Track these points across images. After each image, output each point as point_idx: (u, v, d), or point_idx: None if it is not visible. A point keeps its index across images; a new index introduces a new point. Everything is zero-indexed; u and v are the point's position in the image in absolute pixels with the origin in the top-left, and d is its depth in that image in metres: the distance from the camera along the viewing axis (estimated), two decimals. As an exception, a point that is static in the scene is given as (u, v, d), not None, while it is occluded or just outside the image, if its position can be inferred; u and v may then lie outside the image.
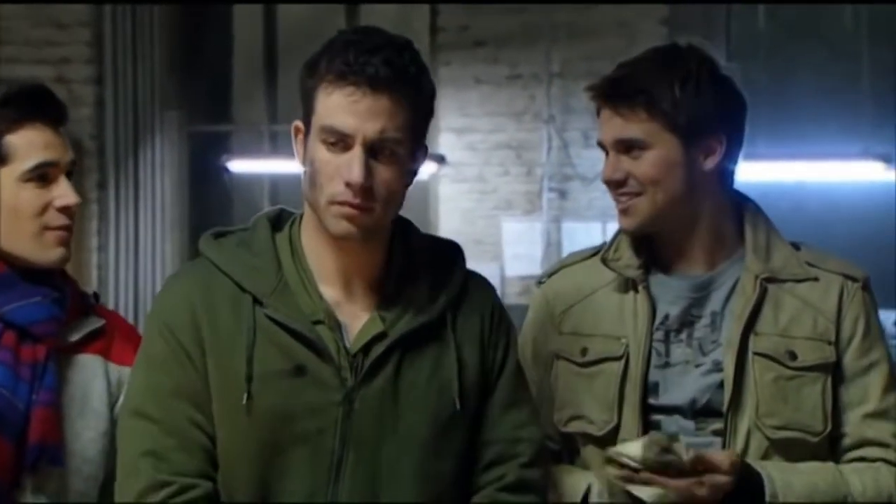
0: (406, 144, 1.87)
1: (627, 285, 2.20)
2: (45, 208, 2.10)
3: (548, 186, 7.07)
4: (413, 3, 7.26)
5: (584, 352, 2.21)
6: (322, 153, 1.86)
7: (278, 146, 7.73)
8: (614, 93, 2.12)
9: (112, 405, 2.16)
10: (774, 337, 2.11)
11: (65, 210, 2.11)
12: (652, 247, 2.22)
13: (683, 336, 2.16)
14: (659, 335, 2.17)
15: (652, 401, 2.15)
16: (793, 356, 2.10)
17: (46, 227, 2.10)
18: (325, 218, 1.87)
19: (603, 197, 7.51)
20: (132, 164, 7.49)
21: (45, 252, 2.11)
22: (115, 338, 2.21)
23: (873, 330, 2.16)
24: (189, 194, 7.71)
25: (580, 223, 6.97)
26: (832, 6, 7.22)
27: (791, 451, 2.10)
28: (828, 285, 2.16)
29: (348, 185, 1.83)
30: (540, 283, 2.33)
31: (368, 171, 1.83)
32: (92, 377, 2.16)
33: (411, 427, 1.88)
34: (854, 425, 2.12)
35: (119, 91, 7.45)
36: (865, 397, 2.13)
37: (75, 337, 2.16)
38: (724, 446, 2.09)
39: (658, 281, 2.20)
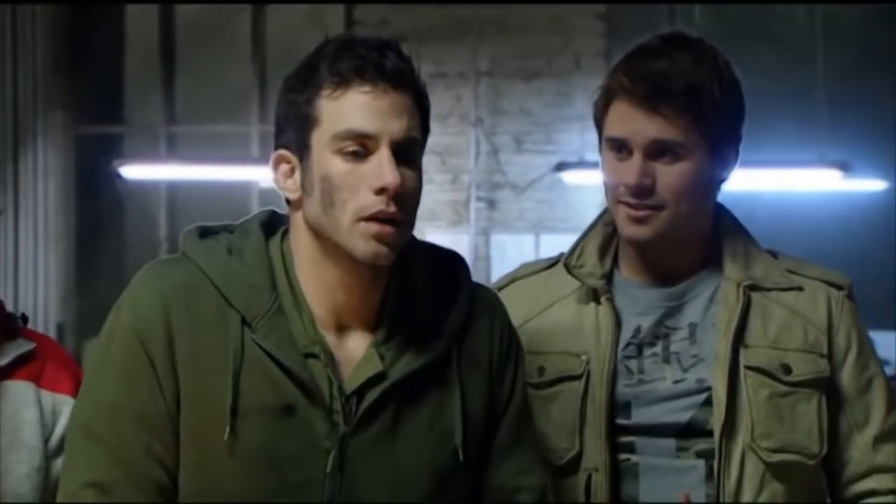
0: (421, 151, 1.83)
1: (589, 296, 2.19)
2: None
3: (475, 195, 7.09)
4: (327, -7, 7.26)
5: (540, 371, 2.19)
6: (338, 165, 1.77)
7: (176, 149, 7.68)
8: (659, 88, 2.06)
9: (46, 437, 2.13)
10: (766, 349, 2.11)
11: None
12: (618, 253, 2.22)
13: (658, 350, 2.15)
14: (630, 350, 2.16)
15: (623, 421, 2.13)
16: (787, 370, 2.10)
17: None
18: (348, 241, 1.78)
19: (536, 207, 7.58)
20: (11, 169, 7.40)
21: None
22: (47, 362, 2.17)
23: (866, 342, 2.19)
24: (76, 203, 7.63)
25: (511, 235, 7.00)
26: (784, 5, 7.33)
27: (788, 475, 2.10)
28: (814, 294, 2.16)
29: (381, 191, 1.75)
30: None
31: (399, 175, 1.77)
32: (23, 406, 2.12)
33: (409, 480, 1.81)
34: (861, 451, 2.14)
35: (-3, 88, 7.37)
36: (869, 418, 2.15)
37: (2, 362, 2.13)
38: (716, 471, 2.08)
39: (628, 290, 2.19)
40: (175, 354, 1.78)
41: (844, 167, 6.16)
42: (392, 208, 1.76)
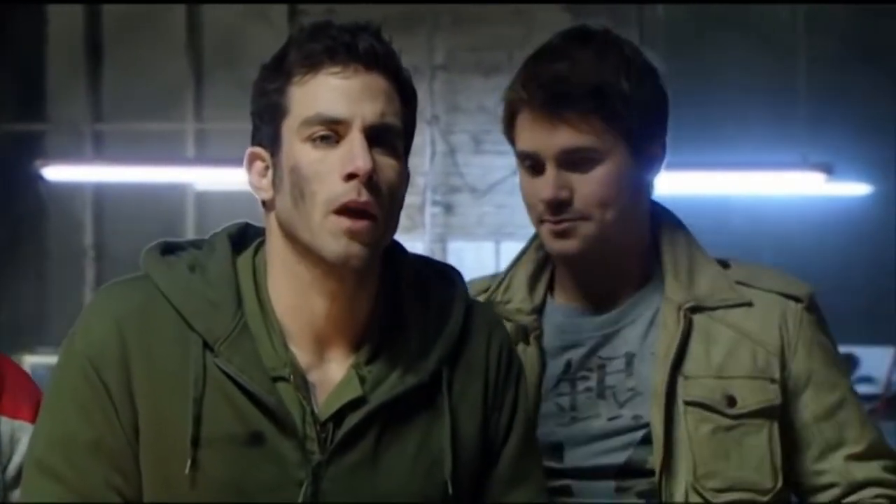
0: (402, 142, 1.80)
1: (518, 335, 2.15)
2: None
3: (431, 199, 7.11)
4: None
5: None
6: (308, 154, 1.76)
7: (103, 149, 7.65)
8: (559, 94, 2.05)
9: (3, 466, 2.13)
10: (708, 379, 2.08)
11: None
12: (554, 279, 2.21)
13: (593, 384, 2.13)
14: (563, 387, 2.14)
15: (554, 464, 2.10)
16: (731, 401, 2.07)
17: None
18: (317, 239, 1.75)
19: (497, 212, 7.60)
20: (-77, 171, 7.35)
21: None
22: (4, 386, 2.16)
23: (832, 358, 2.15)
24: (-7, 208, 7.59)
25: (469, 242, 7.03)
26: (762, -9, 7.37)
27: None
28: (766, 310, 2.12)
29: (351, 177, 1.73)
30: None
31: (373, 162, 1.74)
32: None
33: None
34: (839, 472, 2.13)
35: None
36: (843, 438, 2.13)
37: None
38: None
39: (560, 320, 2.17)
40: (131, 381, 1.77)
41: (827, 169, 6.15)
42: (364, 197, 1.73)
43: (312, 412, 1.77)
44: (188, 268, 1.83)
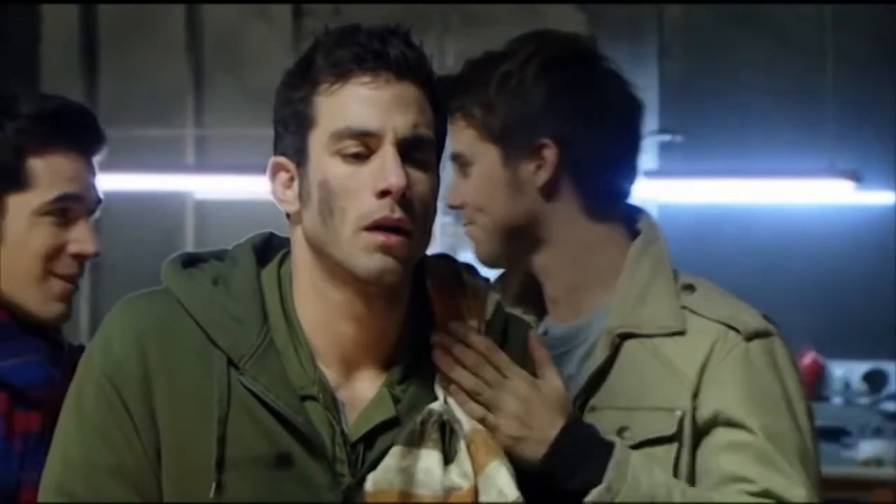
0: (434, 153, 1.80)
1: None
2: (57, 251, 2.15)
3: (442, 209, 7.13)
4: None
5: None
6: (338, 168, 1.75)
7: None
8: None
9: None
10: (612, 411, 2.07)
11: (78, 258, 2.16)
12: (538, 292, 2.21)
13: None
14: None
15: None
16: (620, 432, 2.04)
17: (53, 274, 2.15)
18: (349, 256, 1.75)
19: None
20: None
21: (44, 303, 2.15)
22: None
23: (759, 394, 2.06)
24: (-15, 218, 7.61)
25: (480, 254, 7.03)
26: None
27: None
28: (697, 339, 2.08)
29: (384, 193, 1.72)
30: None
31: (406, 177, 1.74)
32: None
33: None
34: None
35: None
36: (739, 475, 2.03)
37: None
38: None
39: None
40: (153, 400, 1.77)
41: (856, 177, 6.19)
42: (398, 214, 1.73)
43: (342, 432, 1.78)
44: (211, 281, 1.83)
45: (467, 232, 2.17)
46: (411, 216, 1.75)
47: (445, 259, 1.98)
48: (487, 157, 2.12)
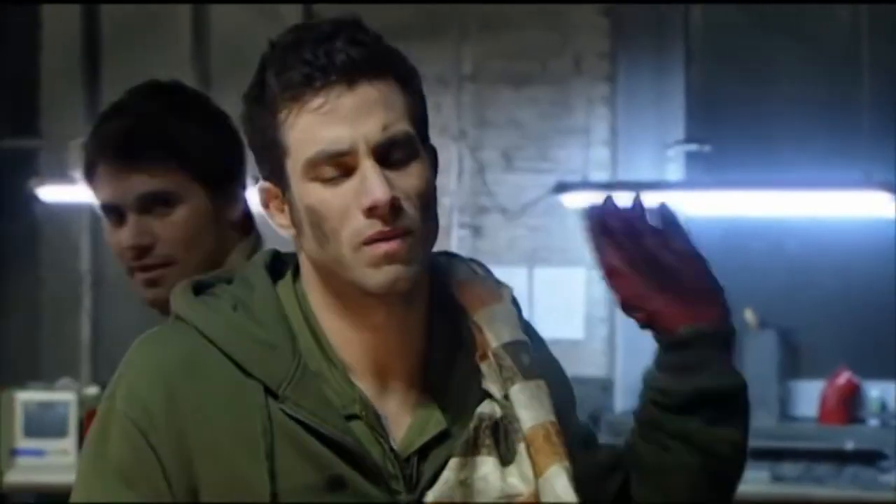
0: (416, 136, 1.79)
1: None
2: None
3: (458, 221, 7.11)
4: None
5: None
6: (319, 192, 1.76)
7: (102, 168, 7.65)
8: (129, 147, 2.34)
9: None
10: None
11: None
12: None
13: None
14: None
15: None
16: None
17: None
18: (358, 275, 1.76)
19: (530, 235, 7.58)
20: None
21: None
22: None
23: None
24: (-18, 231, 7.63)
25: (500, 268, 6.96)
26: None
27: None
28: None
29: (371, 210, 1.73)
30: None
31: (389, 185, 1.74)
32: None
33: None
34: None
35: None
36: None
37: None
38: None
39: None
40: (188, 441, 1.76)
41: (892, 189, 6.17)
42: (390, 225, 1.74)
43: (391, 447, 1.80)
44: (231, 307, 1.83)
45: (160, 274, 2.36)
46: (408, 215, 1.76)
47: (454, 255, 2.00)
48: (198, 196, 2.37)
